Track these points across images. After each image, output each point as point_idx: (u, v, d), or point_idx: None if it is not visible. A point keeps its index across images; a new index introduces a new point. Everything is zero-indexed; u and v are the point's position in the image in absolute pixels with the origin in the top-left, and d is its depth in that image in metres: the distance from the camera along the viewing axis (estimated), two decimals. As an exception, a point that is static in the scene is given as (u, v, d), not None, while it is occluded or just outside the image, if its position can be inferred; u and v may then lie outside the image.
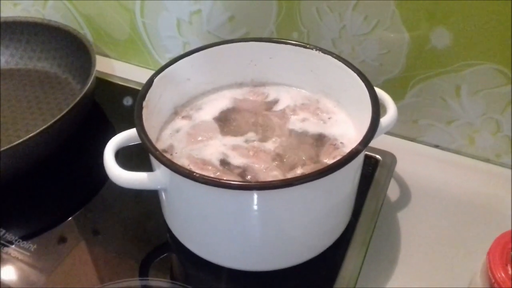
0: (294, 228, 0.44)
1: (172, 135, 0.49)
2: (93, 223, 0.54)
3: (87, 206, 0.56)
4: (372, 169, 0.56)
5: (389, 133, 0.62)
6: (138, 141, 0.42)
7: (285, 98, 0.53)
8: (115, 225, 0.54)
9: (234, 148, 0.47)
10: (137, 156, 0.52)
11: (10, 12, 0.81)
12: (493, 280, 0.37)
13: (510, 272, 0.37)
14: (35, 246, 0.51)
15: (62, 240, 0.52)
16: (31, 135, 0.52)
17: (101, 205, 0.56)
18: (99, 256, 0.50)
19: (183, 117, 0.51)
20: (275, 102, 0.53)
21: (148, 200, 0.54)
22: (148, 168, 0.44)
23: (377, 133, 0.42)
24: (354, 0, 0.54)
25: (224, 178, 0.42)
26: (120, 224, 0.53)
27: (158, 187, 0.43)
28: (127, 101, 0.67)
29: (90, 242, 0.52)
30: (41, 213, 0.56)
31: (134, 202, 0.55)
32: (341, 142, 0.48)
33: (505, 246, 0.38)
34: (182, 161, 0.45)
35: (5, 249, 0.51)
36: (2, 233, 0.52)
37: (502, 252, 0.38)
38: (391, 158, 0.57)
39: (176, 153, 0.47)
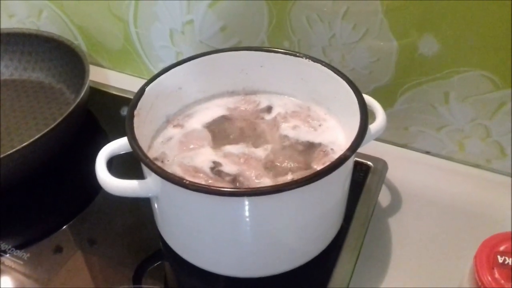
0: (286, 234, 0.44)
1: (164, 143, 0.50)
2: (88, 231, 0.54)
3: (82, 215, 0.56)
4: (363, 176, 0.56)
5: (380, 139, 0.63)
6: (130, 150, 0.42)
7: (277, 106, 0.54)
8: (109, 233, 0.54)
9: (226, 155, 0.48)
10: (133, 165, 0.52)
11: (6, 24, 0.82)
12: (480, 283, 0.38)
13: (496, 275, 0.37)
14: (28, 255, 0.51)
15: (58, 249, 0.52)
16: (25, 144, 0.52)
17: (95, 213, 0.56)
18: (93, 264, 0.51)
19: (175, 126, 0.52)
20: (267, 110, 0.54)
21: (143, 208, 0.54)
22: (143, 176, 0.45)
23: (366, 139, 0.42)
24: (343, 8, 0.55)
25: (215, 185, 0.43)
26: (114, 232, 0.54)
27: (150, 194, 0.43)
28: (123, 111, 0.68)
29: (84, 251, 0.52)
30: (36, 222, 0.56)
31: (128, 210, 0.56)
32: (331, 149, 0.48)
33: (492, 249, 0.39)
34: (174, 168, 0.46)
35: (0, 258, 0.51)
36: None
37: (488, 255, 0.38)
38: (382, 165, 0.58)
39: (167, 161, 0.47)
